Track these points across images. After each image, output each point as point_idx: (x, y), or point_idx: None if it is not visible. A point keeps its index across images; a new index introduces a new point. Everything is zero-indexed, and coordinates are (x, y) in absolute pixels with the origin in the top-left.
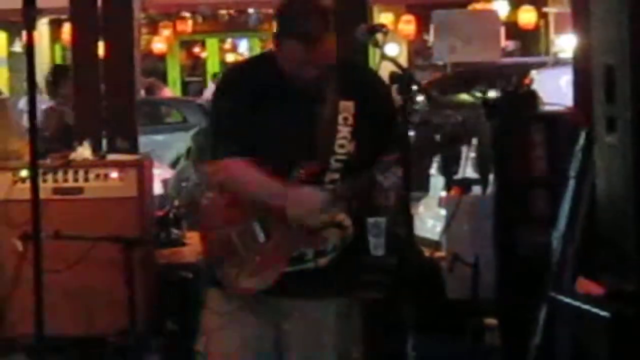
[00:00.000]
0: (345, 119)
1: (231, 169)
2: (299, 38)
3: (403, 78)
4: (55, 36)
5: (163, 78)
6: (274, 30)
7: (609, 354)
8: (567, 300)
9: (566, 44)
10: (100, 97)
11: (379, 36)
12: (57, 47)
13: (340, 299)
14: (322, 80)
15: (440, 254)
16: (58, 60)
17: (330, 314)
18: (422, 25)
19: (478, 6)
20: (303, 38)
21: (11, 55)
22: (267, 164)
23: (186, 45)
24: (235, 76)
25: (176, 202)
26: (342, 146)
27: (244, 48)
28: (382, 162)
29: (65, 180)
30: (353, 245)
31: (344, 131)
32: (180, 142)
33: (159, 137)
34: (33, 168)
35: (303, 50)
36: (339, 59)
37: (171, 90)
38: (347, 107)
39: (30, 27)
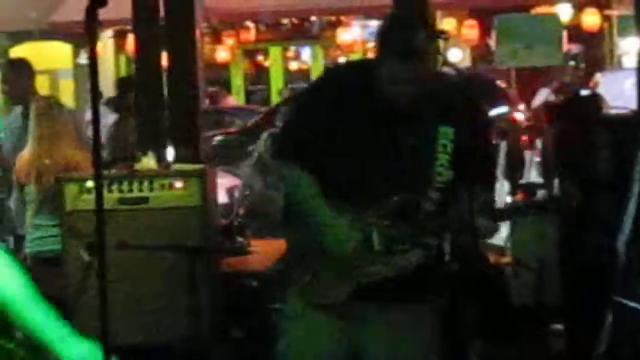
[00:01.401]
0: (444, 146)
1: (283, 170)
2: (395, 54)
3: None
4: (119, 47)
5: (227, 87)
6: (376, 49)
7: None
8: (634, 304)
9: (630, 46)
10: (164, 107)
11: (440, 42)
12: (122, 58)
13: (418, 304)
14: (420, 101)
15: (505, 259)
16: (123, 71)
17: (411, 319)
18: (485, 29)
19: (540, 10)
20: (399, 54)
21: (76, 67)
22: (356, 187)
23: (249, 53)
24: (327, 84)
25: (241, 211)
26: (440, 174)
27: (307, 56)
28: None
29: (131, 191)
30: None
31: (442, 159)
32: None
33: None
34: (97, 179)
35: (399, 66)
36: (440, 81)
37: (235, 99)
38: (446, 134)
39: (93, 39)
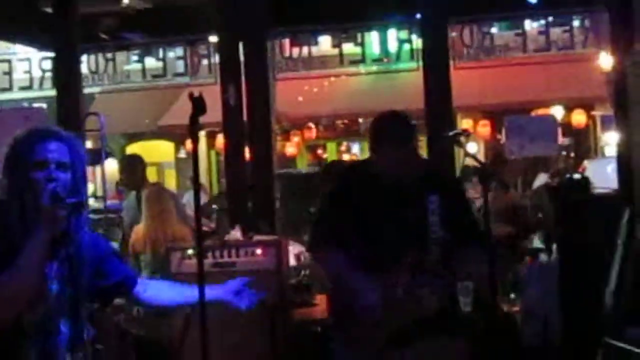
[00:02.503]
0: (433, 211)
1: (322, 260)
2: (391, 141)
3: (482, 171)
4: (210, 144)
5: None
6: (370, 142)
7: None
8: (619, 344)
9: (610, 139)
10: (247, 191)
11: (462, 138)
12: (212, 153)
13: (449, 343)
14: (411, 180)
15: (516, 308)
16: (214, 164)
17: (445, 356)
18: (495, 127)
19: (540, 111)
20: (394, 141)
21: (177, 160)
22: (376, 254)
23: (311, 148)
24: (340, 181)
25: (307, 272)
26: (434, 232)
27: (357, 149)
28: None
29: (222, 257)
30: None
31: (434, 220)
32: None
33: None
34: (199, 247)
35: (395, 151)
36: (423, 163)
37: None
38: (433, 201)
39: (195, 138)
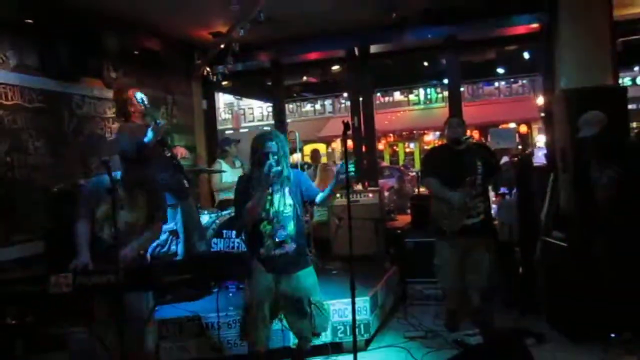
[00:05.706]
0: (478, 162)
1: (426, 182)
2: (453, 121)
3: None
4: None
5: None
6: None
7: None
8: (548, 239)
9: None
10: (370, 160)
11: None
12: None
13: (486, 239)
14: (468, 146)
15: (496, 222)
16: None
17: (486, 249)
18: None
19: None
20: (455, 120)
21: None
22: (452, 180)
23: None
24: (433, 151)
25: (392, 203)
26: (479, 168)
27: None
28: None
29: (352, 196)
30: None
31: (479, 165)
32: None
33: None
34: (348, 195)
35: (457, 120)
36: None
37: None
38: (478, 158)
39: (345, 142)
